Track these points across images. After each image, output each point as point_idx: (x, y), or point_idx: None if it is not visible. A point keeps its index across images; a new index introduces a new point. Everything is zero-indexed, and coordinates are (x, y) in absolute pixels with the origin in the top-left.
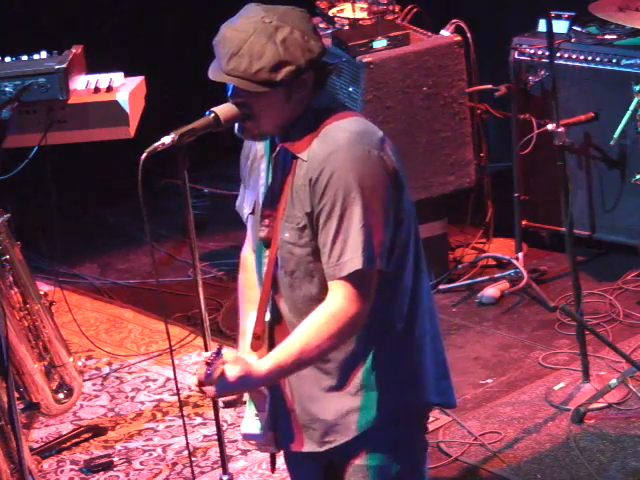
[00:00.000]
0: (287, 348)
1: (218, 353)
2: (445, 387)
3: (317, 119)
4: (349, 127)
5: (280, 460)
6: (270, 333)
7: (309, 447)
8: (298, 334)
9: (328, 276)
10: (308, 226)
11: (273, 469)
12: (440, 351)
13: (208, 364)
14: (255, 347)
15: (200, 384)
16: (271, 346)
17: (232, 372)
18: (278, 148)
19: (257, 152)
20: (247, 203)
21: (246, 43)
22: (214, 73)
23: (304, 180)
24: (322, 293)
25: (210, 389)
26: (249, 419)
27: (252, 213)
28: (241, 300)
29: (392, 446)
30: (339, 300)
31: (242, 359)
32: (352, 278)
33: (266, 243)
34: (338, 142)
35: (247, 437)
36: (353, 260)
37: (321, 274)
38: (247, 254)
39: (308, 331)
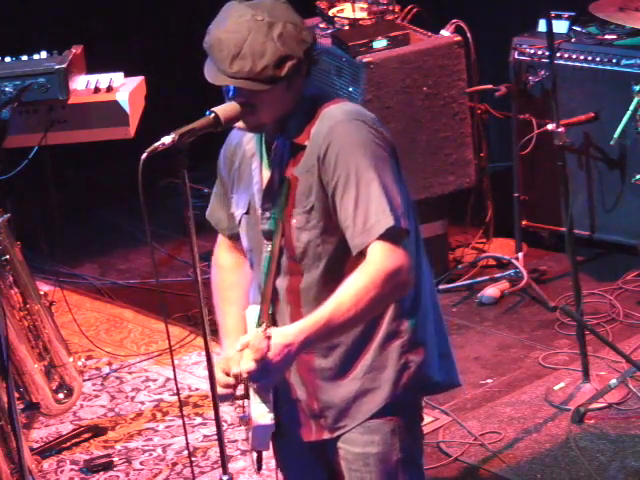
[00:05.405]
0: (324, 314)
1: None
2: (448, 365)
3: (312, 107)
4: (344, 106)
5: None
6: (273, 322)
7: (320, 435)
8: (333, 301)
9: (356, 247)
10: (316, 206)
11: (259, 468)
12: (442, 329)
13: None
14: None
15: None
16: None
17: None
18: (277, 141)
19: (246, 152)
20: (240, 205)
21: (245, 43)
22: (216, 77)
23: (311, 161)
24: (326, 276)
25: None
26: (258, 410)
27: (247, 213)
28: (218, 300)
29: (392, 434)
30: (375, 259)
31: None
32: (385, 237)
33: (268, 235)
34: (336, 117)
35: (259, 429)
36: (380, 221)
37: (328, 257)
38: (221, 254)
39: (344, 296)
